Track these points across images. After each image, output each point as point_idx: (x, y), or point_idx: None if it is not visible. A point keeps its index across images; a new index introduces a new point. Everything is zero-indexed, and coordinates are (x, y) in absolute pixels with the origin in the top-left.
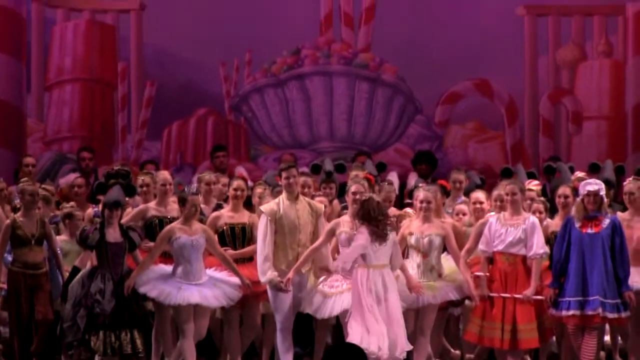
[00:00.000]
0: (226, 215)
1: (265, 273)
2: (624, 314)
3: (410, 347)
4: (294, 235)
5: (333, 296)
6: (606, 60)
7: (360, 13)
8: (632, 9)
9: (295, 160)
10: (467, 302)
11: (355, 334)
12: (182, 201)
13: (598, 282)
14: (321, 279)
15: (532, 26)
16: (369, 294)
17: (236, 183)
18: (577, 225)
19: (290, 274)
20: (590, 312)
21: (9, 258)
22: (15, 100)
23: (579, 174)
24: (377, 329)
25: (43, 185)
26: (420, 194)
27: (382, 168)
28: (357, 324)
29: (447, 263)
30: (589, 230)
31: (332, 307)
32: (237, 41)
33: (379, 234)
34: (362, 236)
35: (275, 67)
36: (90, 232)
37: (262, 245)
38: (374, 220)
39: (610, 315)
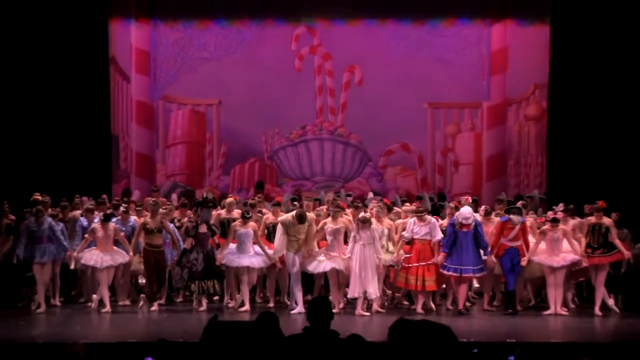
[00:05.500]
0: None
1: (276, 255)
2: (483, 272)
3: (376, 294)
4: (296, 234)
5: (323, 262)
6: (472, 132)
7: (339, 106)
8: (485, 105)
9: (299, 191)
10: (396, 265)
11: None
12: (243, 216)
13: (469, 259)
14: (315, 254)
15: (432, 114)
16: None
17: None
18: (458, 227)
19: (304, 252)
20: (465, 275)
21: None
22: (150, 153)
23: (464, 199)
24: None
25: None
26: (375, 206)
27: (349, 195)
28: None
29: (390, 247)
30: (464, 230)
31: (322, 267)
32: (271, 121)
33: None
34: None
35: (292, 135)
36: (191, 227)
37: (279, 240)
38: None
39: (477, 275)
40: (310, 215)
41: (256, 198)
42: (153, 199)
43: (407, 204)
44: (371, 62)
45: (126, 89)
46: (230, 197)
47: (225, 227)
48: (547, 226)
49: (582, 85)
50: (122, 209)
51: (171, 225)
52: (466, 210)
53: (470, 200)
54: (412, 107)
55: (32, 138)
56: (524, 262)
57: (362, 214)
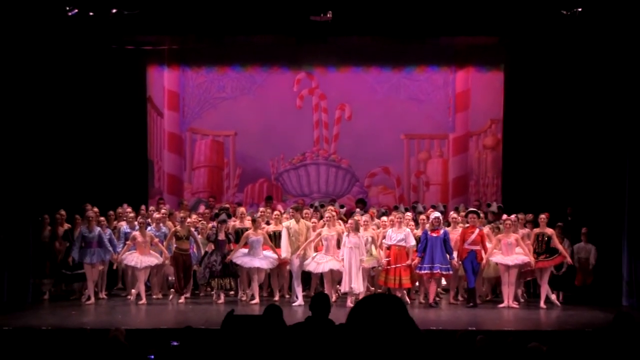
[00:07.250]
0: (236, 223)
1: (283, 253)
2: (450, 272)
3: (360, 290)
4: (297, 237)
5: (322, 263)
6: (440, 158)
7: (332, 137)
8: (451, 136)
9: (303, 203)
10: (379, 267)
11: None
12: (253, 220)
13: (439, 259)
14: (313, 255)
15: (408, 143)
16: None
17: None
18: (430, 232)
19: (299, 251)
20: (435, 271)
21: (173, 247)
22: (179, 174)
23: (431, 210)
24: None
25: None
26: (362, 218)
27: (342, 207)
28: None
29: (374, 251)
30: (434, 235)
31: (322, 268)
32: (277, 149)
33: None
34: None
35: (294, 160)
36: (212, 234)
37: (285, 242)
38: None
39: (444, 272)
40: (308, 223)
41: (266, 211)
42: (182, 214)
43: (385, 217)
44: (358, 101)
45: (160, 122)
46: (241, 207)
47: (239, 235)
48: (502, 234)
49: (531, 120)
50: (155, 215)
51: (195, 233)
52: (436, 213)
53: (435, 211)
54: (392, 138)
55: (84, 161)
56: (483, 264)
57: (351, 221)
